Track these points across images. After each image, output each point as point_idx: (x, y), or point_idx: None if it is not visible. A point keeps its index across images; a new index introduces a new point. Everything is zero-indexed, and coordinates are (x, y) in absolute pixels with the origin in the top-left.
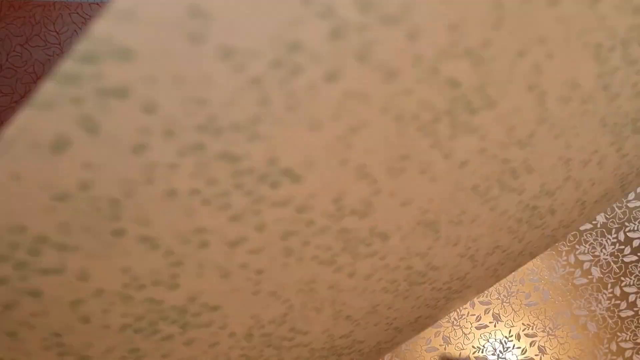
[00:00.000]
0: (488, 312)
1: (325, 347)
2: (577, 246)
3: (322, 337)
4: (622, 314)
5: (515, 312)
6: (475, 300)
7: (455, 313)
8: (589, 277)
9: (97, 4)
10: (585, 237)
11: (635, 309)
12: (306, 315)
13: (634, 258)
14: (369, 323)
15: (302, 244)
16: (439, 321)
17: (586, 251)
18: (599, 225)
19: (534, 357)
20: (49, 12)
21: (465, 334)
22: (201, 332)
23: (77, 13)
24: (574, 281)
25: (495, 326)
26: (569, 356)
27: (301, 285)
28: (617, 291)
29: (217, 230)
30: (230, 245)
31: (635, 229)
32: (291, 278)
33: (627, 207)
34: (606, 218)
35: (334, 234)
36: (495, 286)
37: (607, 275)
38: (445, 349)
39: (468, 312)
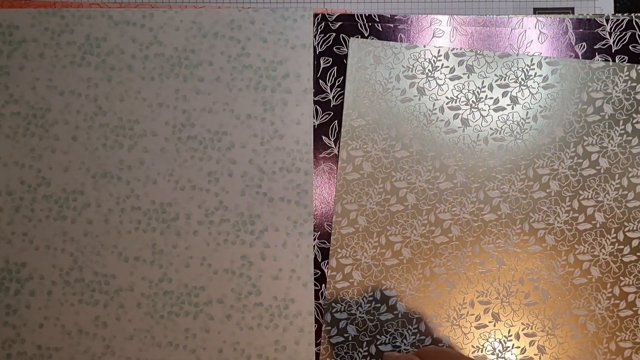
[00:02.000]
0: (487, 312)
1: None
2: (576, 246)
3: None
4: (622, 314)
5: (514, 311)
6: (475, 299)
7: (455, 312)
8: (588, 276)
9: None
10: (584, 237)
11: (634, 308)
12: None
13: (633, 258)
14: None
15: None
16: (439, 321)
17: (585, 251)
18: (598, 225)
19: (533, 357)
20: None
21: (465, 334)
22: None
23: None
24: (573, 281)
25: (494, 326)
26: (568, 356)
27: None
28: (617, 291)
29: None
30: None
31: (635, 228)
32: None
33: (626, 207)
34: (605, 218)
35: None
36: (495, 286)
37: (606, 275)
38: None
39: (467, 312)
